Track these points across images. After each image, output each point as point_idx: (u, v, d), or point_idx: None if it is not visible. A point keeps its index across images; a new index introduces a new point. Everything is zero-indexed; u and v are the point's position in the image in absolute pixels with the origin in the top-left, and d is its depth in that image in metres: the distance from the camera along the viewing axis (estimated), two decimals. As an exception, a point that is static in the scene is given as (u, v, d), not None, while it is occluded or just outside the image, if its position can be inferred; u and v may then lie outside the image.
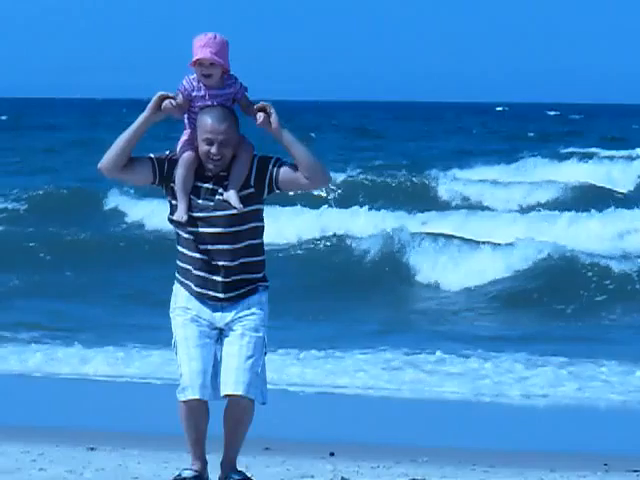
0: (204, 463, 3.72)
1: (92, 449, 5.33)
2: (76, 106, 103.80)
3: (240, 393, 3.47)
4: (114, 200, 22.40)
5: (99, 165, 3.55)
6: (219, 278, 3.48)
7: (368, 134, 56.95)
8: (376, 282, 15.61)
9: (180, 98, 3.43)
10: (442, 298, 14.98)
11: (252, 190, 3.45)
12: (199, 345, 3.54)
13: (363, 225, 20.01)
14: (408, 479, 4.47)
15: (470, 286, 14.77)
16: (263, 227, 3.65)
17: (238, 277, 3.52)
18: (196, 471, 3.62)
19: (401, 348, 10.04)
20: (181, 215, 3.40)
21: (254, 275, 3.61)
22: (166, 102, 3.40)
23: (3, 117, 70.00)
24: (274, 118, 3.39)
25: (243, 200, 3.38)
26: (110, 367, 8.72)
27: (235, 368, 3.51)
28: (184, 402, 3.53)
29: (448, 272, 15.59)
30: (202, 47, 3.43)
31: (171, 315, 3.63)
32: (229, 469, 3.64)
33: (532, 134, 54.85)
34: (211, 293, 3.50)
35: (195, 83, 3.45)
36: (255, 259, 3.59)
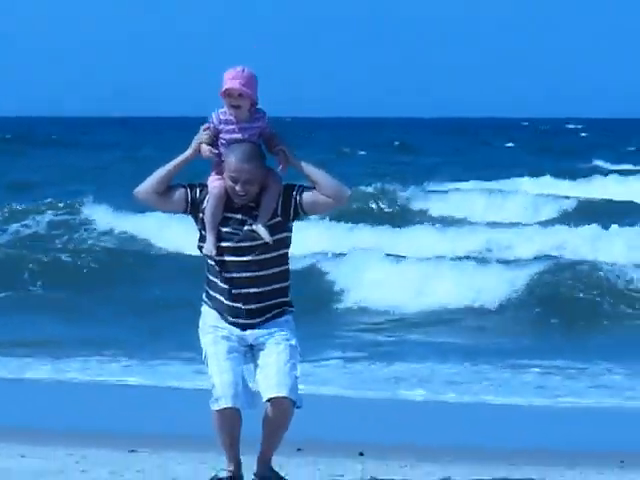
0: (238, 463, 3.89)
1: (132, 451, 5.47)
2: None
3: (284, 394, 3.62)
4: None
5: (136, 190, 3.81)
6: (246, 306, 3.66)
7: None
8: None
9: (208, 133, 3.66)
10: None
11: (279, 219, 3.64)
12: (229, 358, 3.71)
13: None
14: (434, 478, 4.63)
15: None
16: (288, 254, 3.83)
17: (264, 304, 3.70)
18: (231, 471, 3.82)
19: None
20: (210, 249, 3.60)
21: (280, 299, 3.77)
22: (205, 149, 3.61)
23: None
24: (290, 156, 3.66)
25: (271, 229, 3.58)
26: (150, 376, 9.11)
27: (275, 373, 3.65)
28: (218, 411, 3.70)
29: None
30: (231, 79, 3.61)
31: (200, 334, 3.82)
32: (265, 468, 3.82)
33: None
34: (240, 321, 3.67)
35: (223, 117, 3.64)
36: (281, 285, 3.76)
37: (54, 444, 5.75)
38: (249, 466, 3.84)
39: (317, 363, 9.26)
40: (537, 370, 9.57)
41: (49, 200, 23.23)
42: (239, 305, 3.66)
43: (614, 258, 16.35)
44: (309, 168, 3.68)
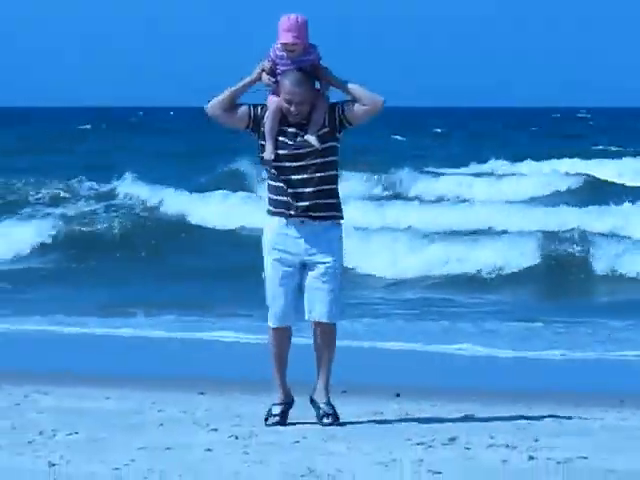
0: (287, 391, 4.56)
1: (202, 394, 6.06)
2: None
3: (326, 321, 4.35)
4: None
5: (206, 106, 4.41)
6: (301, 202, 4.25)
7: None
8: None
9: (267, 63, 4.30)
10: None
11: (327, 129, 4.28)
12: (282, 284, 4.35)
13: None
14: (460, 414, 5.01)
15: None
16: (337, 161, 4.43)
17: (316, 201, 4.29)
18: (281, 399, 4.51)
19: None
20: (269, 155, 4.24)
21: (331, 200, 4.38)
22: (265, 77, 4.31)
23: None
24: (335, 81, 4.36)
25: (320, 138, 4.23)
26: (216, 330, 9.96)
27: (320, 301, 4.33)
28: (271, 328, 4.47)
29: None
30: (285, 31, 4.24)
31: (263, 250, 4.45)
32: (325, 398, 4.44)
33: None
34: (297, 218, 4.29)
35: (279, 52, 4.27)
36: (331, 187, 4.38)
37: (134, 388, 6.37)
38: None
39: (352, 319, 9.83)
40: (542, 325, 10.53)
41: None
42: (297, 203, 4.26)
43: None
44: (351, 86, 4.30)
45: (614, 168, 30.42)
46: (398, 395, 6.04)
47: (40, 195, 23.74)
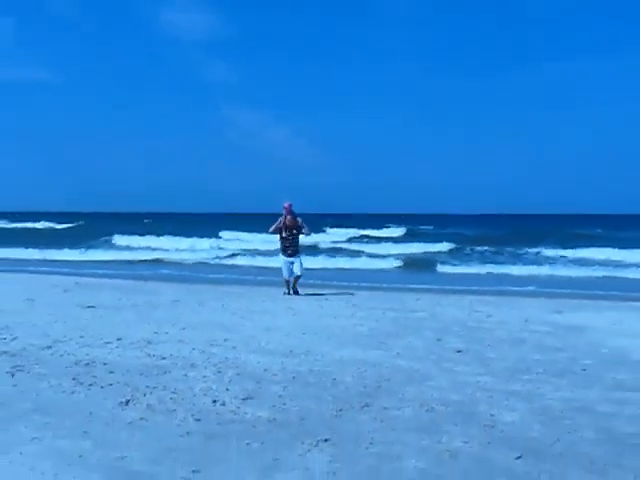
0: (289, 287, 16.26)
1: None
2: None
3: (299, 274, 16.15)
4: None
5: (269, 232, 16.68)
6: (292, 250, 16.36)
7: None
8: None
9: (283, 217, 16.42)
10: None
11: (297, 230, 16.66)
12: (287, 268, 16.23)
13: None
14: None
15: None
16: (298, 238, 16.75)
17: (294, 249, 16.32)
18: (286, 290, 16.27)
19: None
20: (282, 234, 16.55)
21: (298, 248, 16.56)
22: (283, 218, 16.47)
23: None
24: (304, 226, 16.46)
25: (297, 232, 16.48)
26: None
27: (298, 268, 16.14)
28: (285, 280, 16.36)
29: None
30: (287, 214, 16.03)
31: (280, 256, 16.67)
32: (295, 288, 16.35)
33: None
34: (289, 253, 16.41)
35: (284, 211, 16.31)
36: (299, 245, 16.60)
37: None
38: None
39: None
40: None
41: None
42: (289, 251, 16.30)
43: None
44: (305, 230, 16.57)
45: None
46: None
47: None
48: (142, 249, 36.33)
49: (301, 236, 15.64)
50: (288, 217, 15.02)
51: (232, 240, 43.54)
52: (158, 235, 43.23)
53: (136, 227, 56.87)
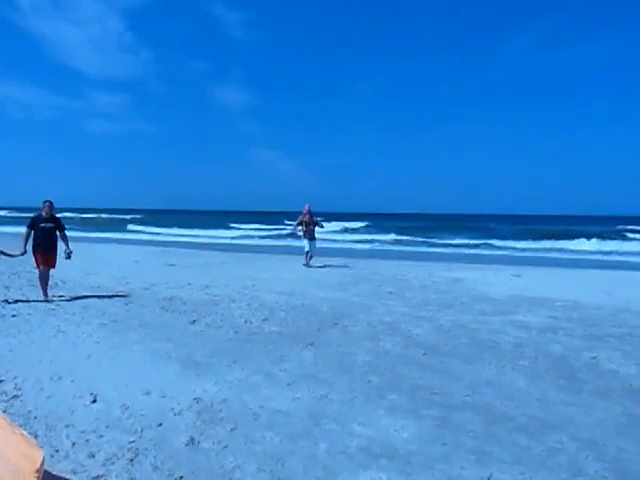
0: (307, 258, 12.61)
1: None
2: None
3: (313, 250, 12.74)
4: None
5: (292, 228, 14.58)
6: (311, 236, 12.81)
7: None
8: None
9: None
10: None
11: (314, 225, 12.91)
12: (308, 245, 12.66)
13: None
14: None
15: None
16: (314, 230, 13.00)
17: (312, 236, 12.80)
18: (305, 262, 12.57)
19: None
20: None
21: (314, 236, 12.92)
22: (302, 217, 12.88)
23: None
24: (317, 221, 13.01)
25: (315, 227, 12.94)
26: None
27: (314, 247, 12.80)
28: (305, 251, 12.56)
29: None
30: (306, 214, 12.78)
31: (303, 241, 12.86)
32: (309, 263, 12.65)
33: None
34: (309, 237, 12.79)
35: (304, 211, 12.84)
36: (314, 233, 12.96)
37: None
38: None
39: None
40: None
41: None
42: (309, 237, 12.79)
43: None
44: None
45: None
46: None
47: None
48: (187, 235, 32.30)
49: (317, 228, 12.98)
50: (307, 216, 12.69)
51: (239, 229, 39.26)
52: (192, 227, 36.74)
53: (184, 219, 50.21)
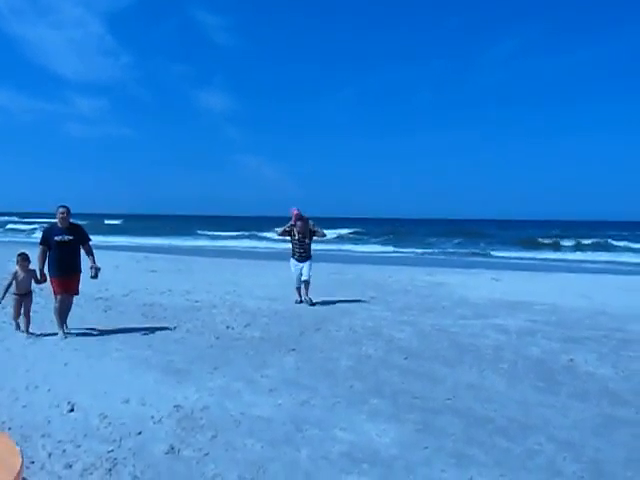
0: (300, 294, 8.25)
1: None
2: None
3: (307, 279, 8.20)
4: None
5: (276, 235, 8.77)
6: (301, 255, 8.33)
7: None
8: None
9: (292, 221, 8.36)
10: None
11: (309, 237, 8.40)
12: (296, 270, 8.31)
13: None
14: None
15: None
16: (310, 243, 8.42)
17: (304, 254, 8.31)
18: (298, 297, 8.26)
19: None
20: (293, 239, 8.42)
21: (309, 254, 8.37)
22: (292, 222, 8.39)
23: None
24: (313, 225, 8.38)
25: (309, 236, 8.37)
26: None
27: (306, 272, 8.24)
28: (296, 288, 8.28)
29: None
30: (296, 220, 8.30)
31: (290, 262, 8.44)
32: (309, 297, 8.22)
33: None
34: (298, 257, 8.36)
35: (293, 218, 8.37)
36: (311, 250, 8.42)
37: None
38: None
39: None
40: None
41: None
42: (302, 254, 8.33)
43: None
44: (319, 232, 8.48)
45: None
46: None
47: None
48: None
49: (316, 238, 8.38)
50: (298, 223, 8.19)
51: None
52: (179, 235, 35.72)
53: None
